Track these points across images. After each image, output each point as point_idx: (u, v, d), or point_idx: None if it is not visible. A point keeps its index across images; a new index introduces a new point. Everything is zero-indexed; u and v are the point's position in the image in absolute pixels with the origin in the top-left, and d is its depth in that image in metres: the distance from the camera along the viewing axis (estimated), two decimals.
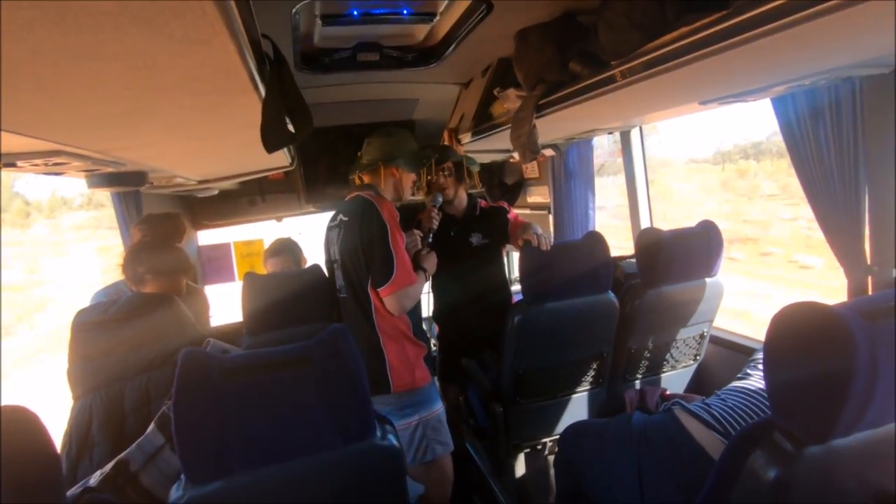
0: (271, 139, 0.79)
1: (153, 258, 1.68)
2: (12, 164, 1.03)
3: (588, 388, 2.00)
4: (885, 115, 1.32)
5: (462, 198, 2.34)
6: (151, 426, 1.09)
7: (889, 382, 0.73)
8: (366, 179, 1.90)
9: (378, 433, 0.98)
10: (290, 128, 0.88)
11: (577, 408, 2.01)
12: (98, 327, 1.49)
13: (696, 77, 1.19)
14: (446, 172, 2.26)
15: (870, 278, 1.46)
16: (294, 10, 1.46)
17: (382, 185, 1.85)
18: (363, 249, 1.70)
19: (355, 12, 1.76)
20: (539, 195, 3.19)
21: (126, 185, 1.53)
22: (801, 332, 0.78)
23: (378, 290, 1.69)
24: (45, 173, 1.25)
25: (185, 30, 0.51)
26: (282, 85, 0.78)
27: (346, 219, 1.78)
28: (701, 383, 2.15)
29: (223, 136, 1.21)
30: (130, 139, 1.10)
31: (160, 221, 2.08)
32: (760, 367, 1.37)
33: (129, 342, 1.50)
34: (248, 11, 0.59)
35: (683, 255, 1.85)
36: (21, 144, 0.95)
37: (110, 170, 1.38)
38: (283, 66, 0.79)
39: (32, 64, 0.55)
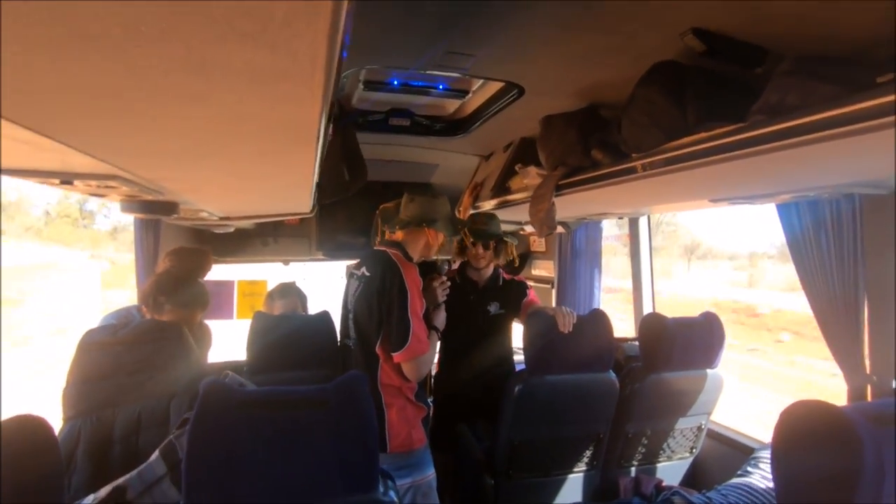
0: (329, 188, 0.86)
1: (177, 289, 1.72)
2: (69, 182, 1.09)
3: (583, 469, 1.95)
4: (884, 233, 1.40)
5: (490, 269, 2.36)
6: (155, 454, 1.07)
7: (892, 486, 0.75)
8: (398, 235, 1.89)
9: (381, 488, 0.97)
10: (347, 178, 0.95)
11: (571, 489, 1.95)
12: (104, 348, 1.49)
13: (709, 177, 1.29)
14: (486, 246, 2.29)
15: (869, 387, 1.49)
16: (344, 74, 1.59)
17: (414, 244, 1.87)
18: (381, 311, 1.70)
19: (395, 82, 1.92)
20: (544, 269, 3.26)
21: (157, 213, 1.59)
22: (809, 431, 0.81)
23: (392, 354, 1.68)
24: (92, 194, 1.31)
25: (287, 88, 0.58)
26: (345, 141, 0.86)
27: (368, 274, 1.78)
28: (696, 478, 2.10)
29: (270, 179, 1.28)
30: (182, 171, 1.17)
31: (190, 255, 2.15)
32: (762, 465, 1.36)
33: (130, 366, 1.50)
34: (339, 76, 0.67)
35: (685, 344, 1.88)
36: (84, 164, 1.02)
37: (149, 198, 1.45)
38: (349, 126, 0.87)
39: (144, 101, 0.62)
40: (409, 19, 1.22)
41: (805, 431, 0.81)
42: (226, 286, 3.40)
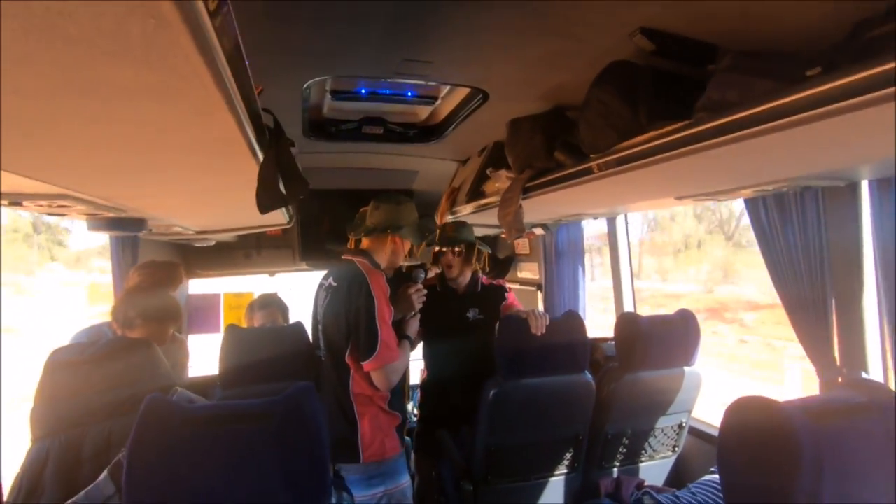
0: (265, 200, 0.86)
1: (146, 303, 1.71)
2: (18, 203, 1.10)
3: (563, 472, 1.94)
4: (845, 225, 1.40)
5: (466, 274, 2.33)
6: (104, 474, 1.06)
7: (834, 484, 0.74)
8: (364, 243, 1.89)
9: (334, 499, 0.96)
10: (284, 191, 0.95)
11: (552, 493, 1.93)
12: (71, 367, 1.48)
13: (667, 175, 1.29)
14: (455, 253, 2.27)
15: (840, 379, 1.48)
16: (305, 85, 1.59)
17: (381, 251, 1.86)
18: (348, 320, 1.69)
19: (363, 91, 1.92)
20: (529, 272, 3.26)
21: (125, 230, 1.59)
22: (750, 427, 0.80)
23: (362, 363, 1.67)
24: (49, 213, 1.32)
25: (189, 104, 0.58)
26: (278, 154, 0.86)
27: (335, 284, 1.78)
28: (680, 476, 2.09)
29: (220, 192, 1.28)
30: (132, 189, 1.17)
31: (159, 268, 2.14)
32: None
33: (98, 385, 1.49)
34: (250, 89, 0.67)
35: (661, 342, 1.87)
36: (29, 186, 1.02)
37: (111, 215, 1.45)
38: (281, 137, 0.87)
39: (52, 122, 0.62)
40: (360, 28, 1.23)
41: (747, 427, 0.81)
42: (212, 300, 3.40)
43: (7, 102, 0.53)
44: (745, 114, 0.91)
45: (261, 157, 0.92)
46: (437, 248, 2.32)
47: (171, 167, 0.96)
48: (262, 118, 0.85)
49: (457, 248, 2.26)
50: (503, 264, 3.44)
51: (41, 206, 1.15)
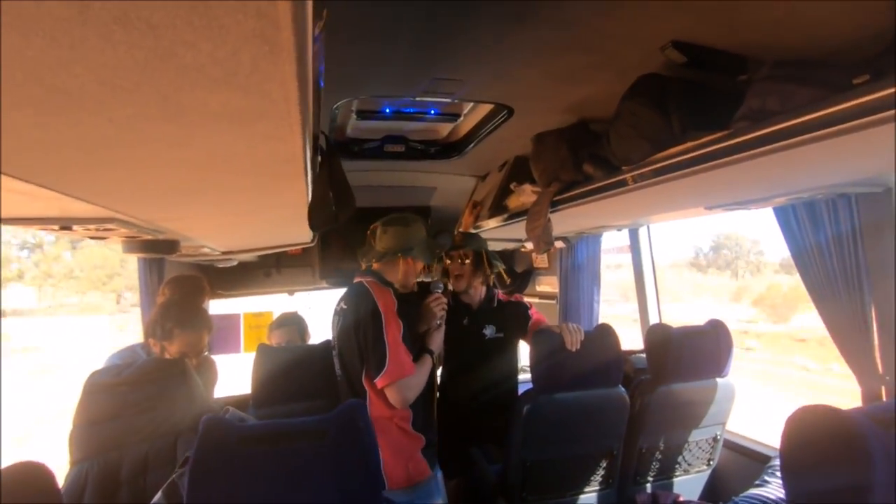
0: (317, 218, 0.87)
1: (182, 313, 1.74)
2: (68, 228, 1.12)
3: (597, 488, 1.91)
4: (882, 231, 1.39)
5: (478, 288, 2.27)
6: (158, 495, 1.06)
7: None
8: (375, 265, 1.87)
9: None
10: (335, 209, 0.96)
11: None
12: (109, 389, 1.50)
13: (700, 185, 1.29)
14: (460, 260, 2.22)
15: (883, 388, 1.46)
16: (335, 106, 1.62)
17: (392, 272, 1.85)
18: (358, 340, 1.68)
19: (387, 110, 1.95)
20: (548, 285, 3.25)
21: (159, 252, 1.61)
22: (816, 438, 0.79)
23: (375, 381, 1.64)
24: (92, 237, 1.34)
25: (267, 127, 0.60)
26: (331, 172, 0.88)
27: (345, 307, 1.78)
28: (716, 490, 2.05)
29: (263, 212, 1.30)
30: (177, 211, 1.19)
31: (187, 281, 2.21)
32: (779, 474, 1.33)
33: (136, 407, 1.50)
34: (318, 111, 0.69)
35: (693, 354, 1.86)
36: (82, 210, 1.04)
37: (149, 237, 1.47)
38: (335, 157, 0.89)
39: (129, 147, 0.64)
40: (395, 50, 1.25)
41: (812, 438, 0.79)
42: (232, 319, 3.41)
43: (97, 130, 0.55)
44: (789, 123, 0.92)
45: (310, 176, 0.94)
46: (447, 262, 2.26)
47: (224, 188, 0.98)
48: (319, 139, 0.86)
49: (462, 253, 2.20)
50: (522, 278, 3.44)
51: (88, 229, 1.17)
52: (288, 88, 0.48)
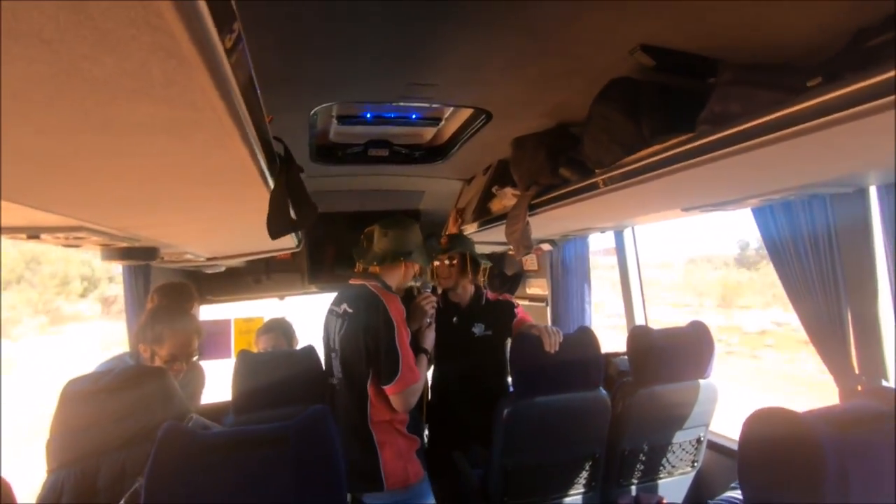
0: (275, 226, 0.88)
1: (171, 316, 1.76)
2: (36, 237, 1.12)
3: (581, 491, 1.90)
4: (856, 231, 1.40)
5: (467, 287, 2.30)
6: (120, 503, 1.06)
7: (861, 495, 0.72)
8: (375, 268, 1.87)
9: None
10: (294, 217, 0.96)
11: None
12: (86, 397, 1.49)
13: (672, 187, 1.30)
14: (448, 261, 2.25)
15: (859, 387, 1.46)
16: (312, 112, 1.63)
17: (391, 275, 1.85)
18: (368, 346, 1.67)
19: (368, 115, 1.96)
20: (538, 287, 3.25)
21: (138, 259, 1.61)
22: (770, 439, 0.79)
23: (384, 387, 1.66)
24: (65, 245, 1.34)
25: (205, 136, 0.60)
26: (288, 180, 0.88)
27: (350, 310, 1.77)
28: (700, 492, 2.04)
29: (232, 219, 1.30)
30: (146, 218, 1.19)
31: (175, 288, 2.22)
32: None
33: (113, 414, 1.49)
34: (262, 119, 0.69)
35: (674, 355, 1.85)
36: (48, 220, 1.04)
37: (125, 245, 1.47)
38: (291, 164, 0.89)
39: (71, 159, 0.64)
40: (366, 54, 1.26)
41: (767, 439, 0.79)
42: (222, 325, 3.41)
43: (29, 141, 0.55)
44: (748, 125, 0.92)
45: (272, 184, 0.94)
46: (434, 264, 2.27)
47: (185, 197, 0.98)
48: (273, 146, 0.87)
49: (448, 255, 2.23)
50: (512, 280, 3.44)
51: (58, 238, 1.17)
52: (210, 98, 0.48)
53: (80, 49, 0.36)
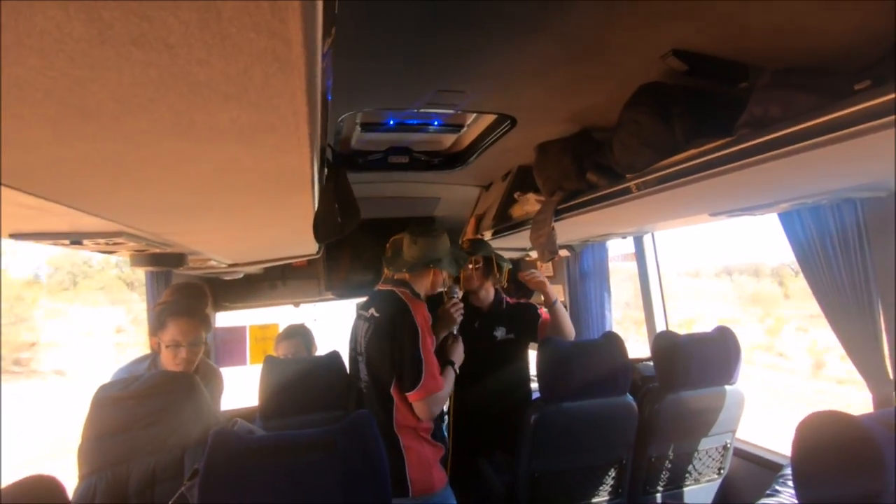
0: (322, 231, 0.88)
1: (177, 306, 1.86)
2: (78, 242, 1.13)
3: (607, 498, 1.89)
4: (888, 236, 1.39)
5: (489, 291, 2.33)
6: None
7: None
8: (404, 275, 1.88)
9: None
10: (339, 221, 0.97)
11: None
12: (117, 403, 1.50)
13: (704, 192, 1.30)
14: (473, 265, 2.27)
15: (895, 394, 1.44)
16: (340, 119, 1.64)
17: (420, 282, 1.87)
18: (393, 351, 1.69)
19: (391, 122, 1.97)
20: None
21: (167, 265, 1.63)
22: (826, 444, 0.79)
23: (406, 394, 1.67)
24: (102, 251, 1.35)
25: (276, 141, 0.61)
26: (337, 185, 0.89)
27: (377, 315, 1.78)
28: (727, 500, 2.02)
29: (269, 226, 1.31)
30: (185, 225, 1.20)
31: (186, 286, 2.33)
32: (790, 483, 1.31)
33: (144, 420, 1.50)
34: (325, 125, 0.70)
35: (701, 361, 1.84)
36: (91, 224, 1.05)
37: (157, 251, 1.49)
38: (341, 169, 0.90)
39: (142, 165, 0.65)
40: (399, 64, 1.27)
41: (823, 444, 0.79)
42: (238, 332, 3.42)
43: (114, 146, 0.56)
44: (790, 130, 0.92)
45: (317, 189, 0.95)
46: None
47: (232, 203, 0.99)
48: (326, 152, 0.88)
49: (473, 259, 2.26)
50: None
51: (98, 244, 1.18)
52: (297, 103, 0.49)
53: (198, 53, 0.37)
